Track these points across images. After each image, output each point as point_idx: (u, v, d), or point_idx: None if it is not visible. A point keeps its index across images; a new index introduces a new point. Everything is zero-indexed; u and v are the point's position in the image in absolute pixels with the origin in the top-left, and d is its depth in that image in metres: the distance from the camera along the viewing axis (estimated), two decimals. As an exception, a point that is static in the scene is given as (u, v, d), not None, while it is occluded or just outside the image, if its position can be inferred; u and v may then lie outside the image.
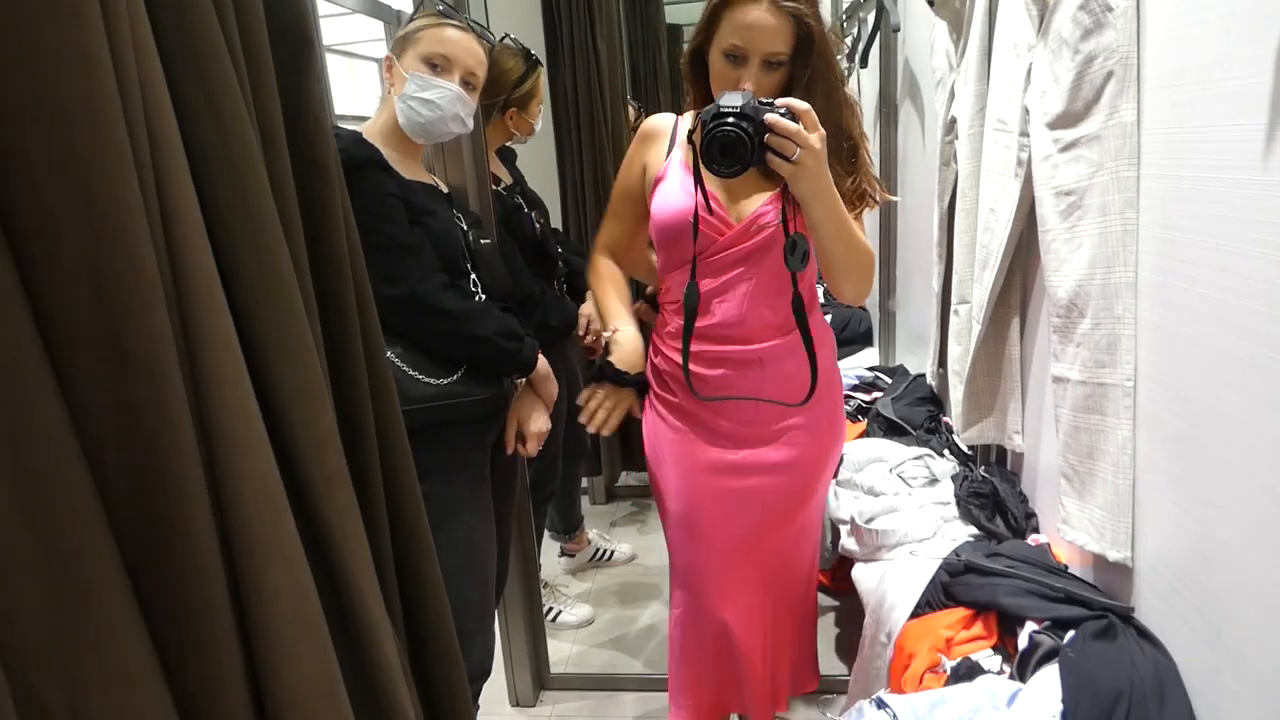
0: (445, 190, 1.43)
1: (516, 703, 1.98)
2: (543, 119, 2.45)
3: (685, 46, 1.31)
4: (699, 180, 1.20)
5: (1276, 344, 0.82)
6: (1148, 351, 1.08)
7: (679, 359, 1.31)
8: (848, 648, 2.08)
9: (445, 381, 1.27)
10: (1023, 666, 1.08)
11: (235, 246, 0.52)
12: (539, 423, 1.44)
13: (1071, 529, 1.23)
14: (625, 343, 1.38)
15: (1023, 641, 1.12)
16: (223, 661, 0.49)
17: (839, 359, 2.86)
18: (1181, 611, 1.04)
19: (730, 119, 1.08)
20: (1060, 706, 0.96)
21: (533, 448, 1.46)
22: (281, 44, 0.63)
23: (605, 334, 1.41)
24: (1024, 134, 1.30)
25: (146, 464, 0.43)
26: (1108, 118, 1.09)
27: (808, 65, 1.21)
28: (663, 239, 1.33)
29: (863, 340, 3.01)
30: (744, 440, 1.37)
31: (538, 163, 2.70)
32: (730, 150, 1.09)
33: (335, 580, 0.59)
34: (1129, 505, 1.13)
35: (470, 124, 1.39)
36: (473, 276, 1.38)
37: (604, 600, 2.43)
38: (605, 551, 2.61)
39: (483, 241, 1.45)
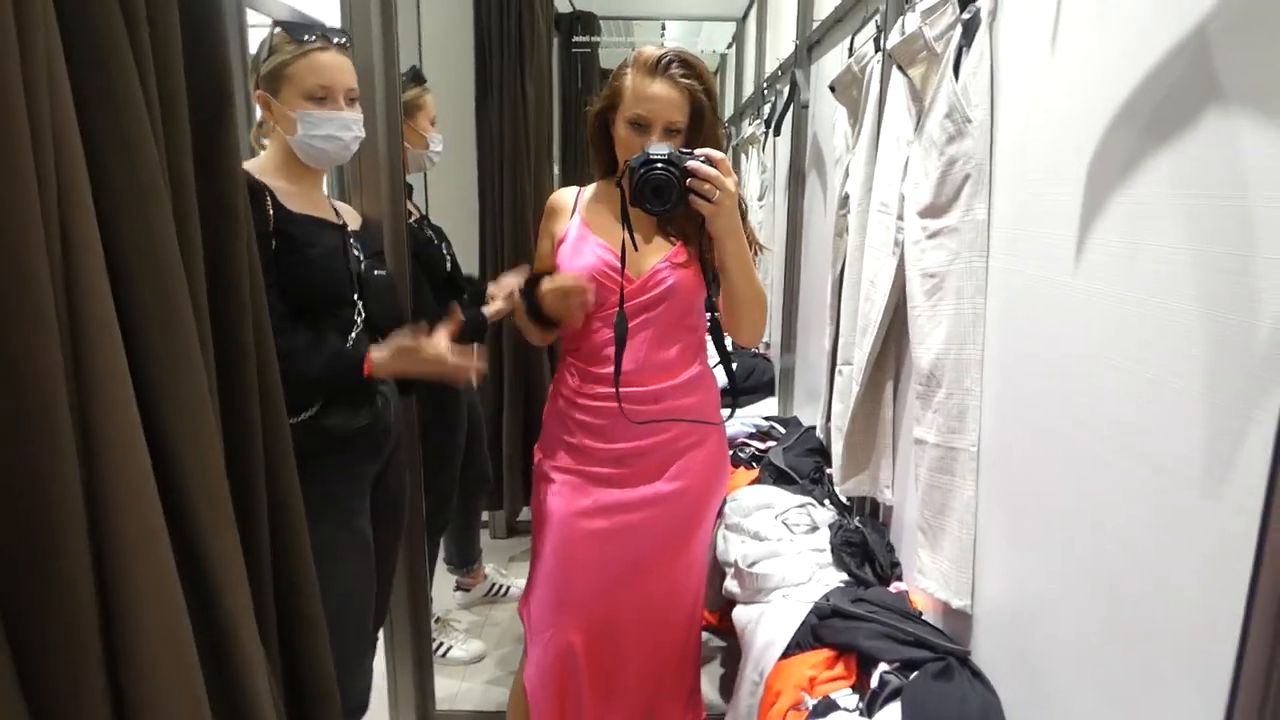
0: (340, 222, 1.45)
1: (398, 738, 1.96)
2: (463, 157, 2.50)
3: (588, 110, 1.46)
4: (626, 221, 1.34)
5: (1085, 429, 0.95)
6: (990, 420, 1.21)
7: (582, 401, 1.45)
8: (730, 687, 2.15)
9: (303, 418, 1.30)
10: (871, 703, 1.18)
11: (134, 279, 0.56)
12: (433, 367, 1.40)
13: (925, 578, 1.35)
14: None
15: (874, 681, 1.21)
16: (84, 664, 0.52)
17: (743, 406, 3.00)
18: (1009, 655, 1.16)
19: (659, 164, 1.24)
20: (897, 741, 1.06)
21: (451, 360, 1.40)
22: (202, 95, 0.68)
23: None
24: (900, 217, 1.45)
25: (21, 463, 0.47)
26: (965, 213, 1.23)
27: (700, 132, 1.38)
28: None
29: (765, 389, 3.14)
30: (635, 478, 1.46)
31: (458, 199, 2.75)
32: (660, 190, 1.24)
33: (209, 604, 0.62)
34: (970, 559, 1.25)
35: (363, 132, 1.43)
36: (359, 306, 1.40)
37: (497, 637, 2.43)
38: (501, 587, 2.62)
39: (377, 273, 1.48)
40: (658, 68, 1.33)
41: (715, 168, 1.25)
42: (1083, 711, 0.96)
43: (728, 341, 1.48)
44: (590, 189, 1.51)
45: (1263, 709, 0.69)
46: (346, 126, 1.38)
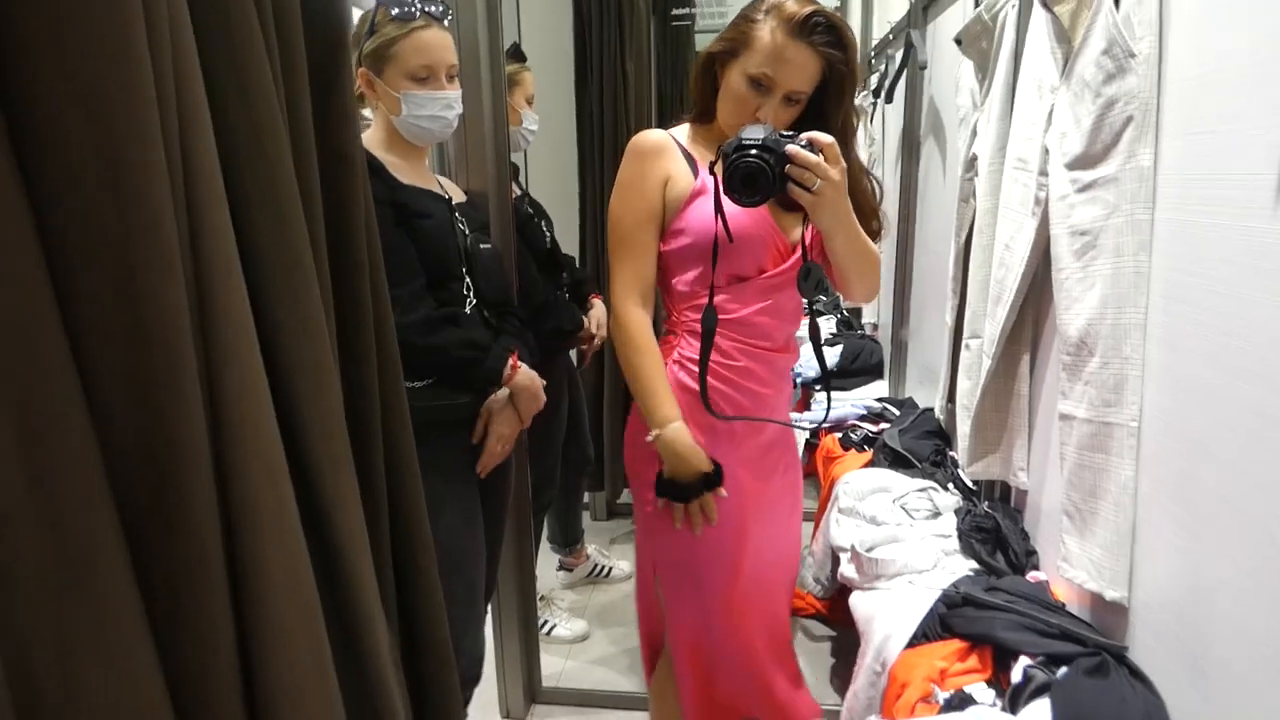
0: (446, 195, 1.44)
1: (507, 714, 1.97)
2: (563, 139, 2.49)
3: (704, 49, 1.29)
4: (719, 210, 1.19)
5: (1279, 390, 0.82)
6: (1153, 393, 1.08)
7: (730, 376, 1.30)
8: (844, 678, 2.06)
9: (416, 386, 1.28)
10: (1015, 699, 1.07)
11: (258, 232, 0.54)
12: (499, 437, 1.40)
13: (1071, 567, 1.23)
14: (679, 442, 1.24)
15: (1016, 675, 1.11)
16: (216, 640, 0.50)
17: (851, 389, 2.90)
18: (1173, 652, 1.03)
19: (753, 151, 1.10)
20: (1049, 742, 0.96)
21: (486, 460, 1.41)
22: (317, 42, 0.66)
23: (649, 436, 1.25)
24: (1043, 173, 1.32)
25: (153, 433, 0.45)
26: (1125, 161, 1.10)
27: (841, 107, 1.22)
28: (724, 252, 1.24)
29: (873, 372, 3.00)
30: (766, 467, 1.38)
31: (559, 181, 2.74)
32: (752, 180, 1.11)
33: (332, 563, 0.60)
34: (1128, 545, 1.13)
35: (462, 108, 1.42)
36: (468, 280, 1.39)
37: (599, 617, 2.42)
38: (604, 568, 2.61)
39: (483, 246, 1.46)
40: (803, 28, 1.15)
41: (821, 153, 1.10)
42: (1271, 717, 0.84)
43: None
44: (685, 133, 1.32)
45: None
46: (450, 106, 1.38)
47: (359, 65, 1.36)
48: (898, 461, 2.02)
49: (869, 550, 1.61)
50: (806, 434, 2.56)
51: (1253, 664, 0.87)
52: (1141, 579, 1.12)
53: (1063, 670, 1.09)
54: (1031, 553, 1.49)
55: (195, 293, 0.47)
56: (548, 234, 2.02)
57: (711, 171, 1.18)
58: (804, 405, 2.98)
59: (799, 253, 1.27)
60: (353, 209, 0.68)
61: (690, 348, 1.29)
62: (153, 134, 0.43)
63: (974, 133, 1.72)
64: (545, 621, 2.29)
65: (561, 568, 2.59)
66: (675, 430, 1.24)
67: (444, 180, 1.51)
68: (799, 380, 2.97)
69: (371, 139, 1.39)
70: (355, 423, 0.70)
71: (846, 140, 1.23)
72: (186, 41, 0.48)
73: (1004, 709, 1.09)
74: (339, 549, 0.59)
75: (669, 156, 1.28)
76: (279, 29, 0.58)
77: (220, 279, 0.49)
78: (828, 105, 1.23)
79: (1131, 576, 1.14)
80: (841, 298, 1.39)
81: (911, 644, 1.32)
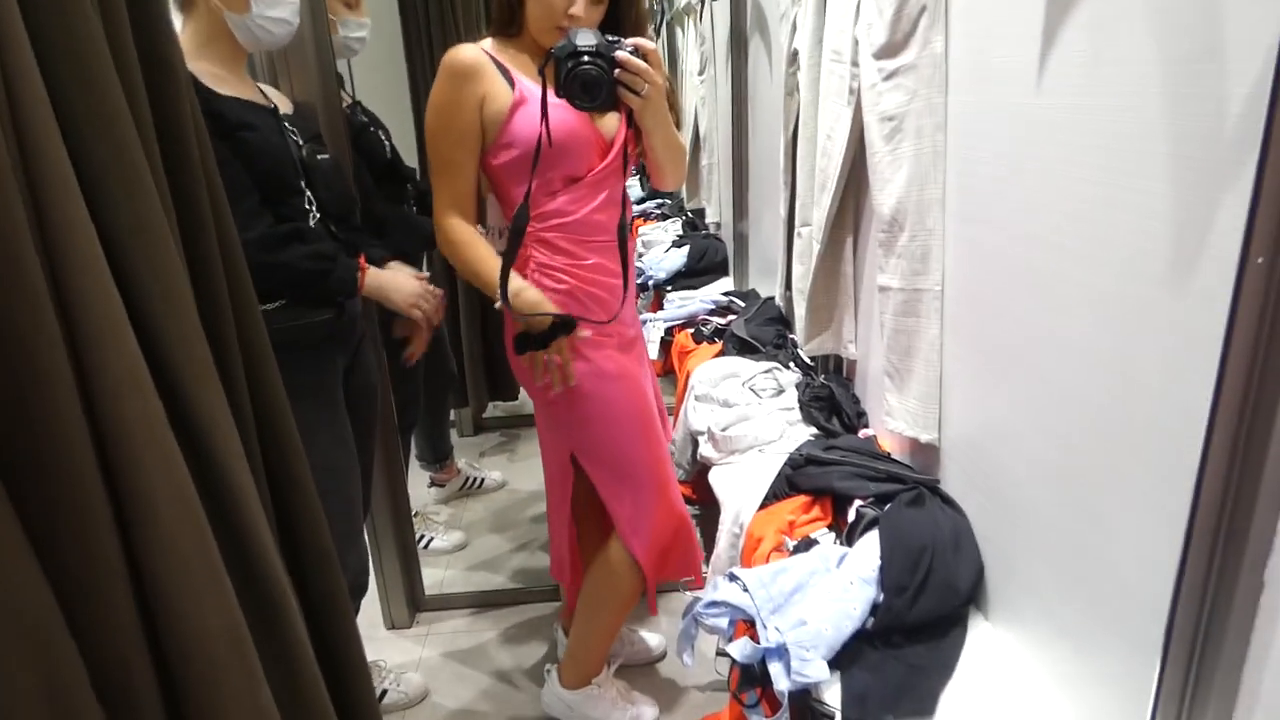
0: (271, 105, 1.36)
1: (392, 625, 2.02)
2: (389, 49, 2.35)
3: None
4: (545, 114, 1.22)
5: (1049, 248, 0.97)
6: (953, 259, 1.24)
7: (590, 276, 1.36)
8: (710, 548, 2.24)
9: (267, 308, 1.24)
10: (850, 535, 1.24)
11: (83, 135, 0.52)
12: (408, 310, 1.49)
13: (893, 419, 1.40)
14: (525, 297, 1.31)
15: (851, 516, 1.28)
16: (99, 541, 0.51)
17: (699, 287, 3.02)
18: (975, 480, 1.22)
19: (587, 58, 1.16)
20: (879, 561, 1.12)
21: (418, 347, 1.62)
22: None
23: (497, 305, 1.29)
24: (855, 64, 1.42)
25: (7, 341, 0.44)
26: (922, 48, 1.21)
27: (633, 3, 1.30)
28: (555, 157, 1.28)
29: (719, 269, 3.15)
30: (640, 353, 1.48)
31: (389, 94, 2.60)
32: (590, 87, 1.17)
33: (207, 467, 0.61)
34: (937, 394, 1.30)
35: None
36: (308, 194, 1.34)
37: (476, 526, 2.48)
38: (475, 480, 2.66)
39: (320, 157, 1.40)
40: None
41: (645, 59, 1.18)
42: (1049, 522, 1.03)
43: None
44: (491, 44, 1.32)
45: (1225, 497, 0.74)
46: (297, 10, 1.32)
47: None
48: (745, 349, 2.17)
49: (724, 430, 1.75)
50: (662, 332, 2.67)
51: (1034, 483, 1.06)
52: (949, 422, 1.31)
53: (888, 506, 1.26)
54: (861, 414, 1.68)
55: (32, 208, 0.46)
56: (387, 143, 1.94)
57: (541, 73, 1.21)
58: (657, 305, 3.09)
59: (617, 147, 1.33)
60: (180, 117, 0.66)
61: (544, 255, 1.34)
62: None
63: (794, 27, 1.80)
64: (422, 536, 2.33)
65: (433, 484, 2.61)
66: (519, 287, 1.30)
67: (267, 89, 1.42)
68: (651, 283, 3.08)
69: (184, 47, 1.28)
70: (211, 337, 0.69)
71: (642, 32, 1.31)
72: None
73: (842, 544, 1.26)
74: (211, 451, 0.60)
75: (485, 76, 1.28)
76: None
77: (57, 194, 0.47)
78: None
79: (941, 421, 1.32)
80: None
81: (764, 505, 1.48)
